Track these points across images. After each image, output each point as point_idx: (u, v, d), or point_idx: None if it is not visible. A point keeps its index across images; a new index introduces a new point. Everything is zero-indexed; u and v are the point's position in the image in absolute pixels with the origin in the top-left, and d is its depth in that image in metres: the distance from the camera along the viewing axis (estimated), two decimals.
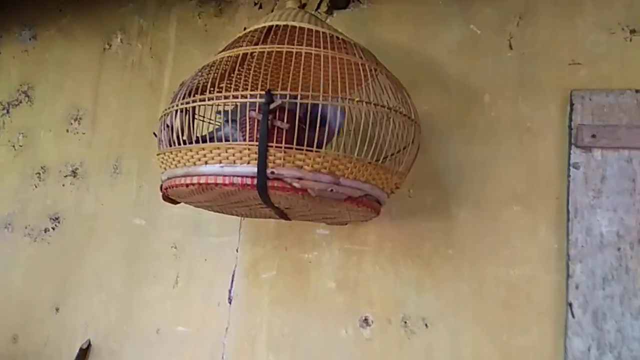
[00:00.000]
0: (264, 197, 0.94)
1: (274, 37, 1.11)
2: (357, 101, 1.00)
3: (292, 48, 1.00)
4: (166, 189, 1.05)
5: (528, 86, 1.27)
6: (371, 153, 0.97)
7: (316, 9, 1.51)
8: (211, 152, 0.93)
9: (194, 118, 1.03)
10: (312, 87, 1.10)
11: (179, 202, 1.17)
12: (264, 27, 1.10)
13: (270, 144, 0.90)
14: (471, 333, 1.21)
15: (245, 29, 1.17)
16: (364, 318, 1.30)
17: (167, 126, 1.01)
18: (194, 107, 1.01)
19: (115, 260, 1.61)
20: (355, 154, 0.95)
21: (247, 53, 1.05)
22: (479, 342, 1.20)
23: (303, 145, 0.92)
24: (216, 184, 0.93)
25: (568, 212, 1.15)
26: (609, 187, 1.13)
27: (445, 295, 1.24)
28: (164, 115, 1.05)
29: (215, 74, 1.05)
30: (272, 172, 0.91)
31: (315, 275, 1.37)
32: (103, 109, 1.76)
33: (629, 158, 1.13)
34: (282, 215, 1.18)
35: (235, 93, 0.95)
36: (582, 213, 1.14)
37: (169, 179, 1.03)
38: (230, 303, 1.44)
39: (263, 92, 0.92)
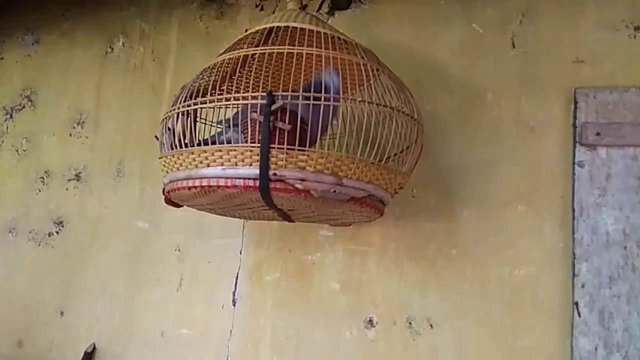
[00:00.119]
0: (266, 199, 0.94)
1: (275, 38, 1.11)
2: (360, 101, 1.00)
3: (293, 49, 1.00)
4: (168, 192, 1.05)
5: (531, 85, 1.26)
6: (374, 153, 0.97)
7: (317, 10, 1.50)
8: (213, 154, 0.93)
9: (195, 121, 1.02)
10: None
11: (181, 206, 1.16)
12: (265, 28, 1.10)
13: (272, 146, 0.90)
14: (476, 333, 1.20)
15: (246, 30, 1.17)
16: (368, 319, 1.30)
17: (169, 129, 1.01)
18: (195, 110, 1.01)
19: (118, 264, 1.61)
20: (358, 155, 0.95)
21: (248, 55, 1.04)
22: (484, 343, 1.19)
23: (305, 147, 0.91)
24: (218, 187, 0.93)
25: (573, 210, 1.14)
26: (614, 185, 1.13)
27: (450, 296, 1.24)
28: (165, 118, 1.05)
29: (217, 77, 1.05)
30: (275, 174, 0.90)
31: (319, 276, 1.37)
32: (105, 113, 1.76)
33: (634, 156, 1.12)
34: (285, 217, 1.17)
35: (237, 95, 0.95)
36: (588, 211, 1.13)
37: (171, 182, 1.02)
38: (234, 305, 1.44)
39: (264, 94, 0.91)
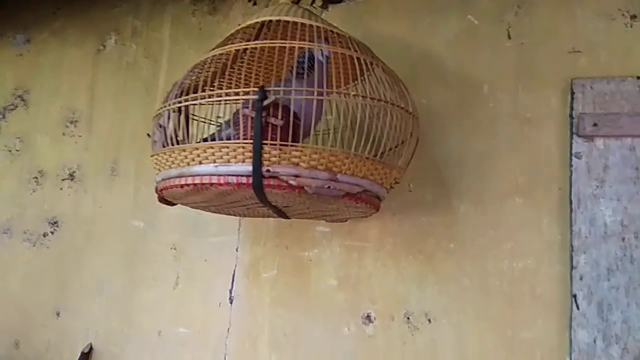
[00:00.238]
0: (260, 196, 0.93)
1: (267, 32, 1.10)
2: (354, 95, 0.99)
3: (285, 43, 0.98)
4: (161, 190, 1.04)
5: (527, 76, 1.25)
6: (369, 148, 0.95)
7: (311, 4, 1.49)
8: (205, 151, 0.92)
9: (187, 118, 1.01)
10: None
11: (175, 204, 1.15)
12: (257, 22, 1.08)
13: (265, 142, 0.89)
14: (475, 328, 1.19)
15: (239, 25, 1.15)
16: (366, 315, 1.29)
17: (160, 126, 0.99)
18: (187, 107, 0.99)
19: (114, 263, 1.60)
20: (353, 149, 0.94)
21: (239, 50, 1.03)
22: (483, 337, 1.18)
23: (298, 142, 0.90)
24: (211, 184, 0.91)
25: (571, 202, 1.14)
26: (612, 176, 1.12)
27: (448, 290, 1.23)
28: (157, 116, 1.04)
29: (207, 73, 1.03)
30: (268, 170, 0.89)
31: (316, 273, 1.36)
32: (99, 111, 1.74)
33: (631, 146, 1.11)
34: (281, 213, 1.16)
35: (228, 91, 0.93)
36: (585, 203, 1.12)
37: (163, 180, 1.01)
38: (231, 303, 1.43)
39: (256, 89, 0.90)
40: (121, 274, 1.59)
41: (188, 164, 0.94)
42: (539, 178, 1.20)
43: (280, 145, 0.89)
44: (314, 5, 1.49)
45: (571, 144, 1.15)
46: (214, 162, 0.92)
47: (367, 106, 0.96)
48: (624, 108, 1.13)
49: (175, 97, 1.00)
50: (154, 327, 1.50)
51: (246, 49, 1.02)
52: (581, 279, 1.10)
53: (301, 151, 0.90)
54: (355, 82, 1.08)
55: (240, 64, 1.11)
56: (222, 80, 1.11)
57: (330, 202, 0.99)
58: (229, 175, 0.91)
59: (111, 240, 1.62)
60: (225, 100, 0.95)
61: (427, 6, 1.37)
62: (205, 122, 1.11)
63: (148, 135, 1.11)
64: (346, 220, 1.32)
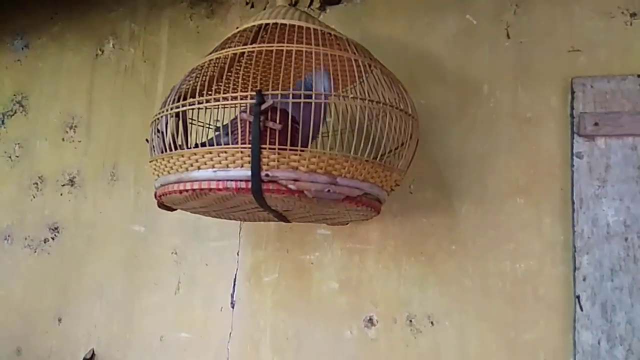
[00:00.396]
0: (259, 201, 0.92)
1: (264, 36, 1.09)
2: (352, 98, 0.98)
3: (283, 46, 0.98)
4: (160, 196, 1.03)
5: (527, 75, 1.24)
6: (368, 150, 0.95)
7: (308, 6, 1.48)
8: (203, 156, 0.91)
9: (185, 123, 1.00)
10: None
11: (174, 209, 1.15)
12: (254, 26, 1.08)
13: (264, 146, 0.88)
14: (478, 329, 1.19)
15: (237, 28, 1.15)
16: (368, 318, 1.28)
17: (158, 132, 0.99)
18: (184, 112, 0.99)
19: (115, 268, 1.60)
20: (352, 152, 0.93)
21: (236, 53, 1.02)
22: (486, 339, 1.18)
23: (297, 146, 0.89)
24: (210, 189, 0.91)
25: (573, 202, 1.13)
26: (613, 176, 1.11)
27: (450, 292, 1.22)
28: (155, 121, 1.03)
29: (205, 77, 1.03)
30: (267, 175, 0.88)
31: (317, 276, 1.35)
32: (98, 116, 1.74)
33: (633, 145, 1.11)
34: (281, 217, 1.15)
35: (226, 95, 0.93)
36: (588, 203, 1.12)
37: (162, 185, 1.01)
38: (232, 308, 1.42)
39: (253, 93, 0.89)
40: (122, 279, 1.58)
41: (186, 169, 0.94)
42: (540, 178, 1.19)
43: (279, 149, 0.88)
44: (312, 7, 1.48)
45: (572, 143, 1.15)
46: (213, 167, 0.91)
47: (366, 108, 0.96)
48: (625, 107, 1.12)
49: (173, 102, 0.99)
50: (156, 332, 1.50)
51: (244, 52, 1.02)
52: (584, 279, 1.09)
53: (300, 155, 0.89)
54: (354, 84, 1.07)
55: (238, 68, 1.11)
56: (219, 84, 1.11)
57: (330, 205, 0.99)
58: (227, 180, 0.90)
59: (112, 245, 1.62)
60: (222, 104, 0.94)
61: (425, 6, 1.36)
62: (203, 127, 1.11)
63: (147, 140, 1.10)
64: (347, 223, 1.32)
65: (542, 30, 1.24)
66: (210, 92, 1.02)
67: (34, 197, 1.78)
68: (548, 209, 1.17)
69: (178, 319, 1.48)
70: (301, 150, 0.89)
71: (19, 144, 1.85)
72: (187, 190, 0.94)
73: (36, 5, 1.90)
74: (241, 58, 1.12)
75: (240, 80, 0.97)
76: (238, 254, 1.45)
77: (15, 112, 1.88)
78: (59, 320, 1.64)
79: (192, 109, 0.97)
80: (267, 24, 1.07)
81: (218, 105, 0.95)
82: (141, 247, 1.58)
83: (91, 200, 1.69)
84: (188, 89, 1.04)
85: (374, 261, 1.30)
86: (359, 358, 1.27)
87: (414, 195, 1.29)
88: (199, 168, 0.92)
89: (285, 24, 1.04)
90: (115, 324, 1.56)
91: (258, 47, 0.99)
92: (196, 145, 0.99)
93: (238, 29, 1.10)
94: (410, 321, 1.24)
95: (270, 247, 1.42)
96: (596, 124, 1.12)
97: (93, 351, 1.56)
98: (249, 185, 0.89)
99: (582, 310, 1.09)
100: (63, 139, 1.77)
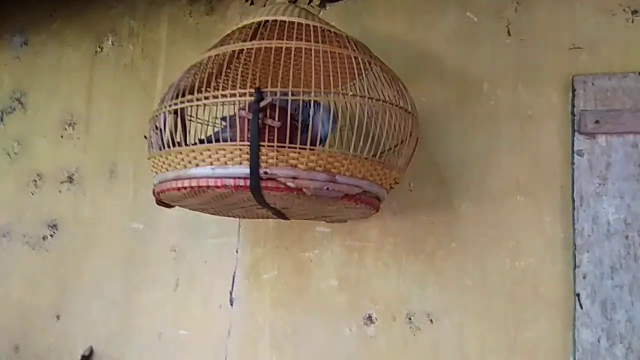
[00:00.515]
0: (258, 198, 0.92)
1: (264, 33, 1.08)
2: (352, 95, 0.97)
3: (282, 43, 0.97)
4: (158, 193, 1.03)
5: (528, 73, 1.23)
6: (367, 148, 0.94)
7: (308, 3, 1.48)
8: (202, 154, 0.91)
9: (183, 120, 1.00)
10: (305, 82, 1.07)
11: (173, 206, 1.14)
12: (254, 22, 1.07)
13: (262, 143, 0.87)
14: (477, 327, 1.18)
15: (236, 25, 1.14)
16: (367, 316, 1.28)
17: (157, 129, 0.98)
18: (183, 109, 0.98)
19: (114, 266, 1.59)
20: (351, 150, 0.93)
21: (236, 50, 1.01)
22: (486, 337, 1.17)
23: (296, 144, 0.89)
24: (208, 187, 0.90)
25: (573, 200, 1.12)
26: (614, 174, 1.10)
27: (450, 290, 1.22)
28: (153, 118, 1.03)
29: (203, 74, 1.02)
30: (266, 172, 0.88)
31: (316, 274, 1.35)
32: (97, 113, 1.73)
33: (634, 143, 1.10)
34: (280, 215, 1.15)
35: (224, 92, 0.92)
36: (588, 201, 1.11)
37: (160, 183, 1.00)
38: (231, 305, 1.42)
39: (252, 90, 0.89)
40: (121, 277, 1.58)
41: (185, 166, 0.93)
42: (540, 176, 1.19)
43: (278, 147, 0.88)
44: (311, 4, 1.47)
45: (573, 141, 1.14)
46: (211, 164, 0.90)
47: (366, 106, 0.95)
48: (626, 104, 1.11)
49: (172, 99, 0.99)
50: (155, 329, 1.50)
51: (243, 49, 1.01)
52: (584, 277, 1.09)
53: (299, 153, 0.89)
54: (354, 81, 1.07)
55: (237, 65, 1.10)
56: (218, 81, 1.10)
57: (329, 203, 0.98)
58: (226, 177, 0.90)
59: (111, 242, 1.62)
60: (221, 101, 0.94)
61: (426, 3, 1.35)
62: (201, 124, 1.10)
63: (145, 137, 1.10)
64: (346, 221, 1.31)
65: (543, 28, 1.24)
66: (209, 89, 1.01)
67: (32, 194, 1.78)
68: (548, 206, 1.17)
69: (177, 317, 1.48)
70: (300, 148, 0.89)
71: (17, 141, 1.85)
72: (185, 188, 0.93)
73: (35, 2, 1.89)
74: (240, 55, 1.11)
75: (239, 77, 0.97)
76: (237, 252, 1.45)
77: (14, 109, 1.88)
78: (58, 317, 1.64)
79: (191, 106, 0.96)
80: (266, 21, 1.07)
81: (217, 102, 0.94)
82: (140, 244, 1.57)
83: (90, 197, 1.68)
84: (187, 86, 1.03)
85: (373, 259, 1.30)
86: (358, 356, 1.27)
87: (413, 193, 1.29)
88: (197, 165, 0.92)
89: (284, 21, 1.04)
90: (114, 321, 1.56)
91: (257, 44, 0.98)
92: (201, 142, 0.98)
93: (237, 26, 1.09)
94: (410, 319, 1.24)
95: (269, 245, 1.41)
96: (597, 121, 1.12)
97: (91, 348, 1.56)
98: (248, 182, 0.89)
99: (582, 308, 1.08)
100: (62, 136, 1.77)
